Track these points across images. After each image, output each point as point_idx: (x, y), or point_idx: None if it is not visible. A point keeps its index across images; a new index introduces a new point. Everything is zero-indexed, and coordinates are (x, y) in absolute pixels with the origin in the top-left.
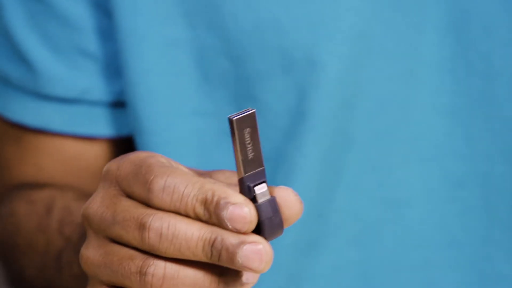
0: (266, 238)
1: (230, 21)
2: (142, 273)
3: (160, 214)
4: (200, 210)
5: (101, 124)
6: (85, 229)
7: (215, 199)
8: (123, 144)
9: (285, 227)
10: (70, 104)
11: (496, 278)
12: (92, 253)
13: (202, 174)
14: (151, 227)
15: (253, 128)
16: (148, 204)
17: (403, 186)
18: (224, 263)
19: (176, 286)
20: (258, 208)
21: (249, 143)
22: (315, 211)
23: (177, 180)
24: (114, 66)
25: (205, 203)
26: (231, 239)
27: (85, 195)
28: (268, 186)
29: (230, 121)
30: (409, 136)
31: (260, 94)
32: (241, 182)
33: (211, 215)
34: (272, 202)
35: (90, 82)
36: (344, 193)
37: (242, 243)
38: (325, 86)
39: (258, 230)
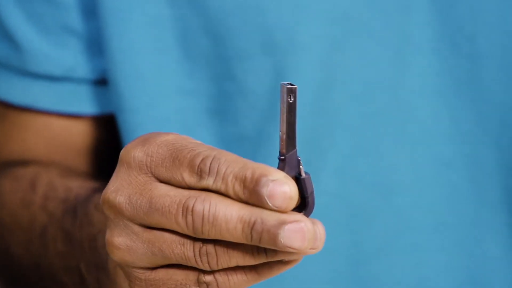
0: (309, 212)
1: None
2: (197, 255)
3: (203, 195)
4: (239, 189)
5: (86, 102)
6: (71, 206)
7: (256, 176)
8: (107, 123)
9: None
10: (55, 82)
11: (485, 259)
12: (128, 241)
13: None
14: (194, 209)
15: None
16: (190, 187)
17: (391, 168)
18: (266, 244)
19: (229, 261)
20: (305, 182)
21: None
22: None
23: (221, 160)
24: (98, 44)
25: (244, 181)
26: (271, 220)
27: (69, 171)
28: None
29: (291, 90)
30: (396, 118)
31: (240, 73)
32: (293, 155)
33: (251, 194)
34: (310, 177)
35: (75, 59)
36: (330, 176)
37: (283, 223)
38: (305, 67)
39: (299, 206)
